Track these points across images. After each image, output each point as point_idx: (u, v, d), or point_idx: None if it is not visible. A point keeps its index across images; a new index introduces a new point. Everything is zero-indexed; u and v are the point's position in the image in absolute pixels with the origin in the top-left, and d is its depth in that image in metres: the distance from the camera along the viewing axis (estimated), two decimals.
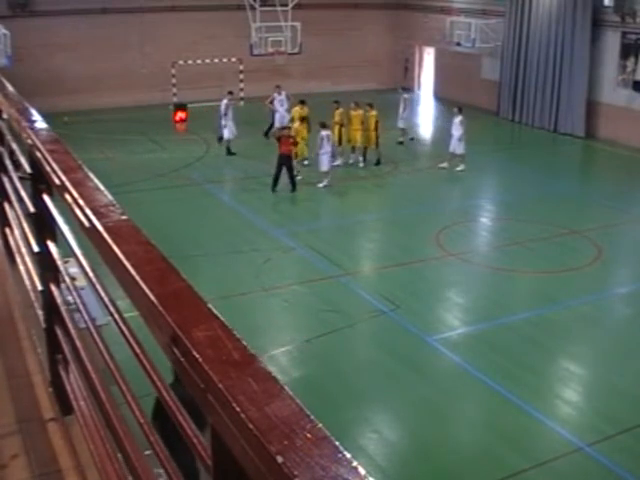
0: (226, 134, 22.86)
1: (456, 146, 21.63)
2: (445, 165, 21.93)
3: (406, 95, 24.91)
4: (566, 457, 9.16)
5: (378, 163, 22.20)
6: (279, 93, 24.48)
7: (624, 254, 16.60)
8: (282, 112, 24.12)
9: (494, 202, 20.18)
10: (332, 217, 18.32)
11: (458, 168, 21.70)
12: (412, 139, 25.29)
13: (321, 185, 19.91)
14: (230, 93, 23.50)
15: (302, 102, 22.01)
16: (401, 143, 24.61)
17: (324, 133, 19.79)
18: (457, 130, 21.59)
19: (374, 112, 21.87)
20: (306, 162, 21.11)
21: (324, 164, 19.77)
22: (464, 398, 10.60)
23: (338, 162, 21.09)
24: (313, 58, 31.64)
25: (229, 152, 22.95)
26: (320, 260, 15.20)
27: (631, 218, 18.15)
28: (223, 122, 22.70)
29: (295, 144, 19.60)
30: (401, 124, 24.58)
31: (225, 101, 22.89)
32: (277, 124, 24.14)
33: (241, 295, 13.44)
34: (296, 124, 20.91)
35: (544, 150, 25.44)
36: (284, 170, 19.24)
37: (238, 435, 1.09)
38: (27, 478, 2.79)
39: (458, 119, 21.67)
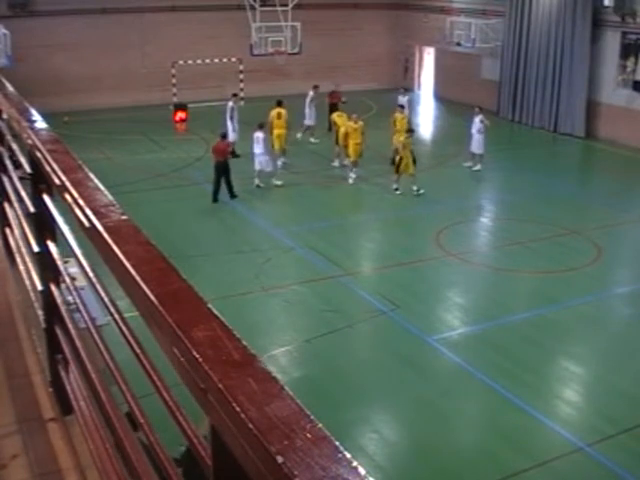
0: (231, 136, 22.84)
1: (476, 145, 21.62)
2: (469, 164, 21.84)
3: (407, 96, 24.90)
4: (566, 457, 9.16)
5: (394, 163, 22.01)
6: (315, 93, 24.65)
7: (624, 254, 16.61)
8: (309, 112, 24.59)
9: (494, 202, 20.19)
10: (332, 217, 18.30)
11: (475, 168, 21.71)
12: None
13: (279, 183, 20.00)
14: (234, 95, 23.58)
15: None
16: None
17: (260, 135, 19.71)
18: (478, 128, 21.58)
19: (401, 115, 22.26)
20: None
21: (267, 165, 19.77)
22: (464, 398, 10.59)
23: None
24: (313, 58, 31.62)
25: (233, 155, 22.93)
26: (320, 260, 15.20)
27: (631, 218, 18.14)
28: (231, 125, 22.59)
29: (232, 153, 19.01)
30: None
31: (231, 104, 22.87)
32: (310, 122, 24.50)
33: (241, 295, 13.44)
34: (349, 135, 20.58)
35: (544, 150, 25.44)
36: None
37: (238, 435, 1.09)
38: (27, 478, 2.79)
39: (478, 118, 21.67)
